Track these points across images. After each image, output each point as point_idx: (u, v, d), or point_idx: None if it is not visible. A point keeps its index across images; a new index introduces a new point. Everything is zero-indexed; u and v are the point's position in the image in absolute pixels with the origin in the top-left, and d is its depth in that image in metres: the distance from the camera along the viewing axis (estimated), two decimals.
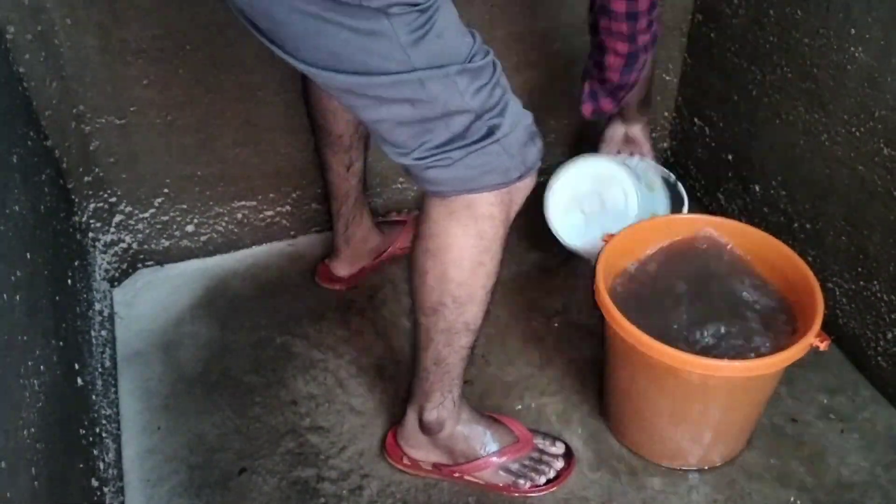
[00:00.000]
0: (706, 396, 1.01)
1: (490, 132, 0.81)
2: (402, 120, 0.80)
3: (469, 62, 0.78)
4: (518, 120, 0.84)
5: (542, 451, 1.11)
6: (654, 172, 1.35)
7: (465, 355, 0.99)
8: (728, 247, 1.12)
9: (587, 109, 1.21)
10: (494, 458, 1.08)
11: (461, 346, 0.97)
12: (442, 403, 1.03)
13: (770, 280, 1.08)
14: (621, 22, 1.03)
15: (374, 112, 0.80)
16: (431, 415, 1.04)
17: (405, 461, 1.10)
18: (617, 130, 1.32)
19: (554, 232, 1.32)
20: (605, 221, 1.25)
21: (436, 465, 1.09)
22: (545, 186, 1.31)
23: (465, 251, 0.88)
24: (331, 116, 1.20)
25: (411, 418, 1.07)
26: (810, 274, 1.02)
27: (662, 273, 1.10)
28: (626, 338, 0.97)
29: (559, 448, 1.12)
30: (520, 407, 1.20)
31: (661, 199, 1.33)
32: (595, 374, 1.23)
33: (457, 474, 1.09)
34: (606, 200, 1.29)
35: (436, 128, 0.80)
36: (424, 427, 1.06)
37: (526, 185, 0.89)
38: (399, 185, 1.54)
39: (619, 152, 1.34)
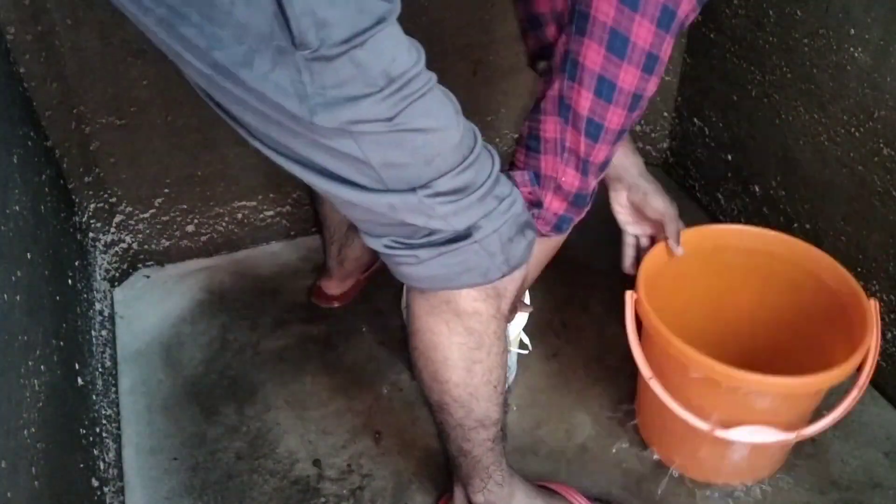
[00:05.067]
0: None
1: (467, 233, 0.70)
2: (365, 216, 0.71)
3: (458, 169, 0.67)
4: (504, 217, 0.71)
5: None
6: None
7: (490, 446, 0.88)
8: None
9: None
10: None
11: (482, 439, 0.86)
12: (486, 487, 0.92)
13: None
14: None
15: (338, 202, 0.70)
16: (478, 498, 0.93)
17: None
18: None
19: None
20: None
21: None
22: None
23: (453, 350, 0.77)
24: None
25: (459, 497, 0.97)
26: (859, 290, 1.00)
27: None
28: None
29: None
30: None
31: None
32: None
33: None
34: None
35: (401, 229, 0.70)
36: None
37: (516, 278, 0.77)
38: None
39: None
